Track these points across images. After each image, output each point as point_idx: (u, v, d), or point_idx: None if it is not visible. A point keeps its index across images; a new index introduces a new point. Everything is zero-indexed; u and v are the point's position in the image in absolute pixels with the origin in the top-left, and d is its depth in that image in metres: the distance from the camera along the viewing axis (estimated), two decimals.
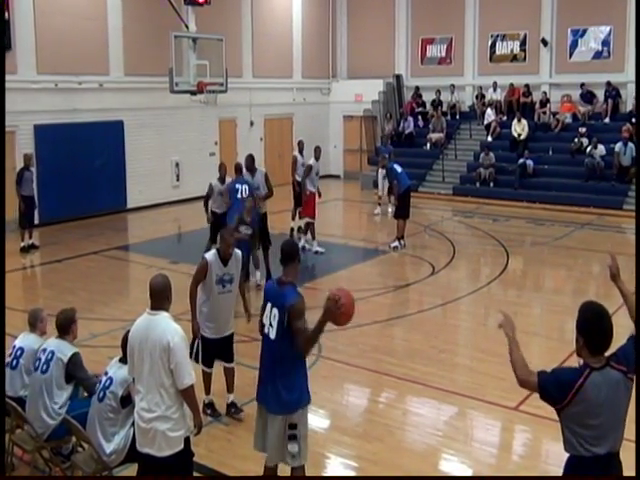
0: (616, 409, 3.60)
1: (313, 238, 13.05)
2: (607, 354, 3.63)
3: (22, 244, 13.35)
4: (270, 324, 4.72)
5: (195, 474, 5.52)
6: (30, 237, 13.54)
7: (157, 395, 4.31)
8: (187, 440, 4.46)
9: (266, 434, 4.73)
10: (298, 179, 13.31)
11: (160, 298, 4.46)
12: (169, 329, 4.34)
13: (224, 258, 6.31)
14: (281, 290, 4.77)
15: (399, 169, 13.30)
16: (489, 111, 20.55)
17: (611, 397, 3.56)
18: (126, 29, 17.06)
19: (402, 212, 13.24)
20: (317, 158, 13.09)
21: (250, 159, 11.26)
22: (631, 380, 3.60)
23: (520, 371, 3.80)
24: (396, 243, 13.19)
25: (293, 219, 13.88)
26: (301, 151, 13.71)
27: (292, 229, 13.76)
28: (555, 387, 3.63)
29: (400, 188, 13.13)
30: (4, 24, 13.40)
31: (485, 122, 20.65)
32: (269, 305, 4.79)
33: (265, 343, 4.81)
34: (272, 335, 4.70)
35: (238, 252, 6.47)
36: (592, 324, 3.62)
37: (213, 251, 6.47)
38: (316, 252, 12.95)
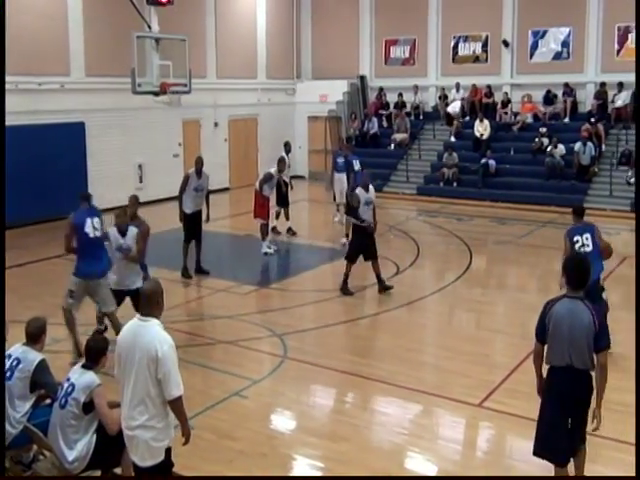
0: (575, 332, 4.74)
1: (263, 239, 13.08)
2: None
3: None
4: None
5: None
6: None
7: (142, 404, 4.23)
8: (168, 451, 4.39)
9: None
10: (285, 179, 13.97)
11: (150, 304, 4.35)
12: (158, 338, 4.24)
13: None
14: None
15: (357, 166, 14.19)
16: (456, 104, 20.76)
17: (571, 322, 4.76)
18: (87, 29, 16.80)
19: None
20: (280, 171, 13.36)
21: (200, 162, 11.44)
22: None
23: (534, 361, 5.11)
24: (344, 240, 13.42)
25: (277, 218, 14.41)
26: (288, 152, 14.35)
27: (274, 227, 14.23)
28: (539, 326, 4.94)
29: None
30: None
31: (450, 109, 20.84)
32: None
33: None
34: None
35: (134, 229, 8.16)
36: (571, 266, 4.97)
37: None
38: (265, 253, 12.98)
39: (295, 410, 6.97)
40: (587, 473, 5.61)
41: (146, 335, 4.25)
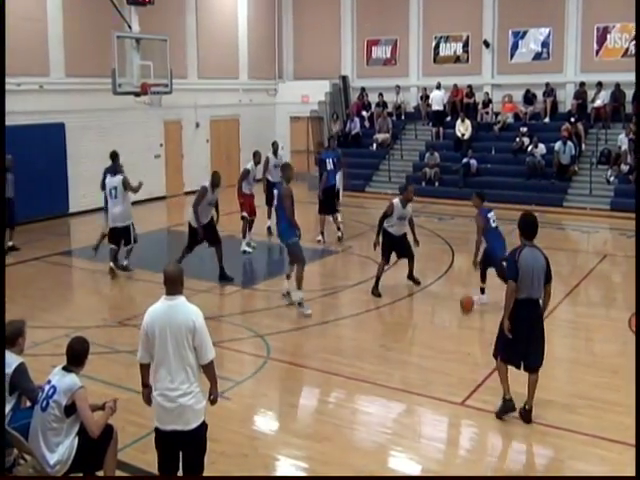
0: (536, 272, 6.24)
1: (244, 237, 13.16)
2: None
3: (10, 243, 13.25)
4: None
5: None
6: (10, 239, 13.33)
7: (183, 373, 4.65)
8: (203, 412, 4.83)
9: None
10: (269, 178, 14.06)
11: (176, 284, 4.79)
12: (192, 311, 4.73)
13: None
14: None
15: (330, 166, 14.09)
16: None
17: (533, 264, 6.24)
18: (67, 29, 16.64)
19: (324, 207, 14.00)
20: (256, 163, 13.57)
21: (218, 177, 11.09)
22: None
23: (508, 298, 6.31)
24: (319, 237, 13.84)
25: (269, 218, 14.23)
26: (275, 152, 14.38)
27: (269, 227, 14.22)
28: (513, 269, 6.23)
29: (326, 183, 13.95)
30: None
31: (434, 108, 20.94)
32: None
33: None
34: None
35: None
36: (525, 222, 6.38)
37: None
38: (244, 252, 13.06)
39: (277, 411, 6.97)
40: (568, 470, 5.69)
41: (180, 310, 4.72)
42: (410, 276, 10.83)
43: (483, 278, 9.98)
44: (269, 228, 14.24)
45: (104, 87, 15.52)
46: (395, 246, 10.46)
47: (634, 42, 18.31)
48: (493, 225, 9.72)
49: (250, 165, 13.51)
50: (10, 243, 13.35)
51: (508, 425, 6.48)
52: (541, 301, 6.42)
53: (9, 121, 15.24)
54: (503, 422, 6.50)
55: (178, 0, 19.85)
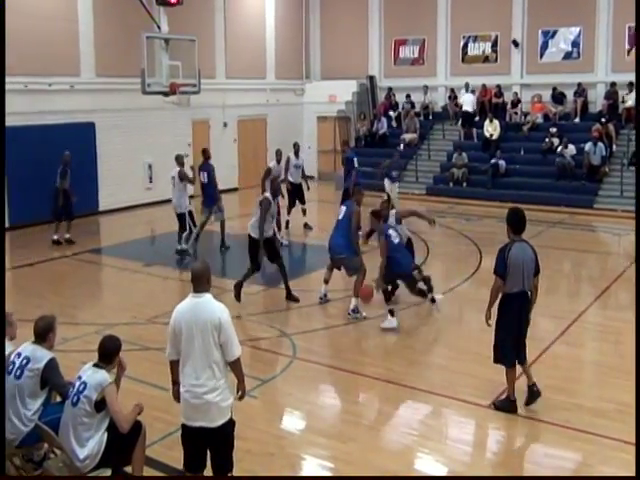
0: (526, 266, 6.39)
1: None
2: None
3: (55, 237, 13.87)
4: None
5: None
6: (68, 230, 13.98)
7: (209, 370, 4.68)
8: (231, 409, 4.84)
9: None
10: (290, 179, 14.43)
11: (202, 282, 4.83)
12: (218, 308, 4.77)
13: None
14: None
15: (357, 164, 15.06)
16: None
17: (523, 258, 6.40)
18: (97, 29, 16.89)
19: None
20: (278, 161, 14.16)
21: (278, 186, 10.68)
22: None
23: (493, 293, 6.53)
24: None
25: (288, 214, 14.68)
26: (296, 153, 14.62)
27: (287, 222, 14.60)
28: (501, 265, 6.39)
29: (356, 179, 14.50)
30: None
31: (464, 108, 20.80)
32: None
33: None
34: None
35: None
36: (514, 217, 6.51)
37: None
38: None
39: (303, 410, 6.98)
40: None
41: (206, 307, 4.75)
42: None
43: (388, 297, 9.07)
44: (287, 222, 14.60)
45: (133, 87, 15.68)
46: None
47: None
48: (395, 242, 8.97)
49: (272, 164, 13.77)
50: (67, 235, 13.99)
51: (535, 428, 6.43)
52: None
53: (40, 120, 15.72)
54: (530, 425, 6.44)
55: (206, 0, 19.99)
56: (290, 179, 14.49)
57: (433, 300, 9.52)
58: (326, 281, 10.10)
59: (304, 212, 15.01)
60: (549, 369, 7.65)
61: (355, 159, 15.58)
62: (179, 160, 13.06)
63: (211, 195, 13.28)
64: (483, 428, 6.58)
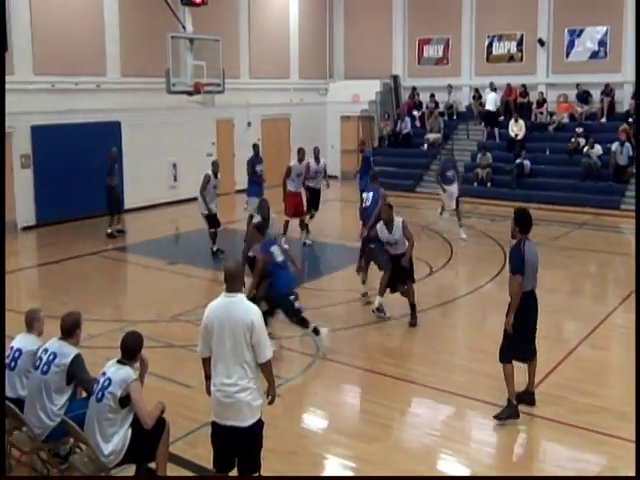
0: (535, 263, 6.51)
1: (283, 234, 12.97)
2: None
3: (109, 230, 14.50)
4: None
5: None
6: (118, 222, 14.71)
7: (241, 369, 4.69)
8: (260, 409, 4.87)
9: None
10: (309, 185, 14.01)
11: (235, 281, 4.87)
12: (251, 309, 4.79)
13: None
14: None
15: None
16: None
17: (534, 255, 6.50)
18: (123, 30, 17.05)
19: None
20: (299, 160, 13.81)
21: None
22: None
23: (517, 293, 6.43)
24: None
25: (311, 218, 14.32)
26: (316, 158, 14.15)
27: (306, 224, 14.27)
28: (519, 264, 6.35)
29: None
30: (4, 25, 13.37)
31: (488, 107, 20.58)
32: None
33: None
34: None
35: None
36: (524, 217, 6.51)
37: None
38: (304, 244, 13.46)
39: (326, 409, 6.98)
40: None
41: (239, 307, 4.76)
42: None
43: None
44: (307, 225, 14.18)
45: (158, 86, 15.80)
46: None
47: None
48: (279, 260, 7.97)
49: (293, 162, 13.63)
50: (119, 226, 14.65)
51: (560, 431, 6.36)
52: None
53: (67, 119, 15.88)
54: (555, 429, 6.37)
55: (231, 1, 20.08)
56: (309, 185, 14.03)
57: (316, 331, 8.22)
58: (364, 282, 10.13)
59: (312, 216, 14.32)
60: (574, 371, 7.57)
61: (372, 158, 15.45)
62: (216, 168, 12.94)
63: (260, 185, 14.13)
64: (507, 430, 6.51)
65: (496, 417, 6.46)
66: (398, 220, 9.09)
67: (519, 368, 6.73)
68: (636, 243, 10.07)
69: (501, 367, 6.58)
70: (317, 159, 14.10)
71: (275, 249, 8.07)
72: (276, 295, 7.95)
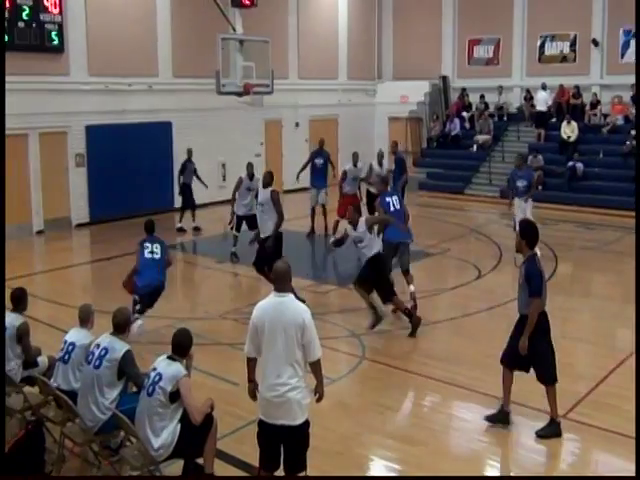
0: (546, 280, 6.27)
1: (334, 233, 13.12)
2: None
3: (179, 225, 15.32)
4: None
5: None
6: (193, 220, 15.40)
7: (291, 368, 4.70)
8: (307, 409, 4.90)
9: None
10: (345, 190, 13.93)
11: (285, 281, 4.86)
12: (301, 309, 4.81)
13: None
14: None
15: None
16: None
17: (544, 271, 6.27)
18: (174, 31, 17.35)
19: None
20: (354, 164, 13.95)
21: (269, 175, 10.54)
22: None
23: (534, 313, 6.14)
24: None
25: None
26: (355, 163, 14.11)
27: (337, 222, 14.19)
28: (539, 285, 6.09)
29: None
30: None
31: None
32: None
33: None
34: None
35: None
36: (532, 231, 6.30)
37: None
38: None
39: (371, 411, 6.95)
40: None
41: (289, 307, 4.78)
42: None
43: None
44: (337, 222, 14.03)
45: (209, 87, 16.00)
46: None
47: None
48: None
49: (349, 166, 13.78)
50: (194, 224, 15.31)
51: (612, 442, 6.19)
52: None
53: (120, 119, 16.21)
54: (607, 438, 6.22)
55: (280, 2, 20.21)
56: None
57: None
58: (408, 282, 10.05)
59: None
60: (627, 381, 7.35)
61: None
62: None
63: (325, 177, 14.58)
64: (558, 439, 6.38)
65: (488, 419, 6.49)
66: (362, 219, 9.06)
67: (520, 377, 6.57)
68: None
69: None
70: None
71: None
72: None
